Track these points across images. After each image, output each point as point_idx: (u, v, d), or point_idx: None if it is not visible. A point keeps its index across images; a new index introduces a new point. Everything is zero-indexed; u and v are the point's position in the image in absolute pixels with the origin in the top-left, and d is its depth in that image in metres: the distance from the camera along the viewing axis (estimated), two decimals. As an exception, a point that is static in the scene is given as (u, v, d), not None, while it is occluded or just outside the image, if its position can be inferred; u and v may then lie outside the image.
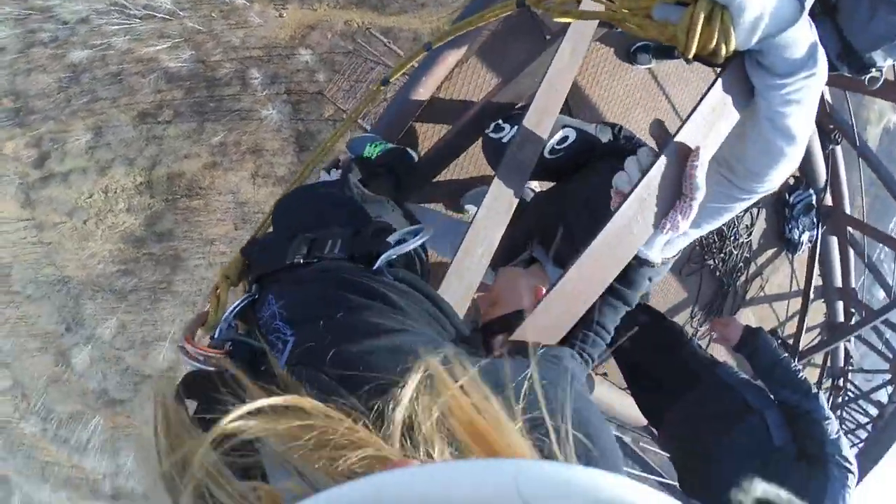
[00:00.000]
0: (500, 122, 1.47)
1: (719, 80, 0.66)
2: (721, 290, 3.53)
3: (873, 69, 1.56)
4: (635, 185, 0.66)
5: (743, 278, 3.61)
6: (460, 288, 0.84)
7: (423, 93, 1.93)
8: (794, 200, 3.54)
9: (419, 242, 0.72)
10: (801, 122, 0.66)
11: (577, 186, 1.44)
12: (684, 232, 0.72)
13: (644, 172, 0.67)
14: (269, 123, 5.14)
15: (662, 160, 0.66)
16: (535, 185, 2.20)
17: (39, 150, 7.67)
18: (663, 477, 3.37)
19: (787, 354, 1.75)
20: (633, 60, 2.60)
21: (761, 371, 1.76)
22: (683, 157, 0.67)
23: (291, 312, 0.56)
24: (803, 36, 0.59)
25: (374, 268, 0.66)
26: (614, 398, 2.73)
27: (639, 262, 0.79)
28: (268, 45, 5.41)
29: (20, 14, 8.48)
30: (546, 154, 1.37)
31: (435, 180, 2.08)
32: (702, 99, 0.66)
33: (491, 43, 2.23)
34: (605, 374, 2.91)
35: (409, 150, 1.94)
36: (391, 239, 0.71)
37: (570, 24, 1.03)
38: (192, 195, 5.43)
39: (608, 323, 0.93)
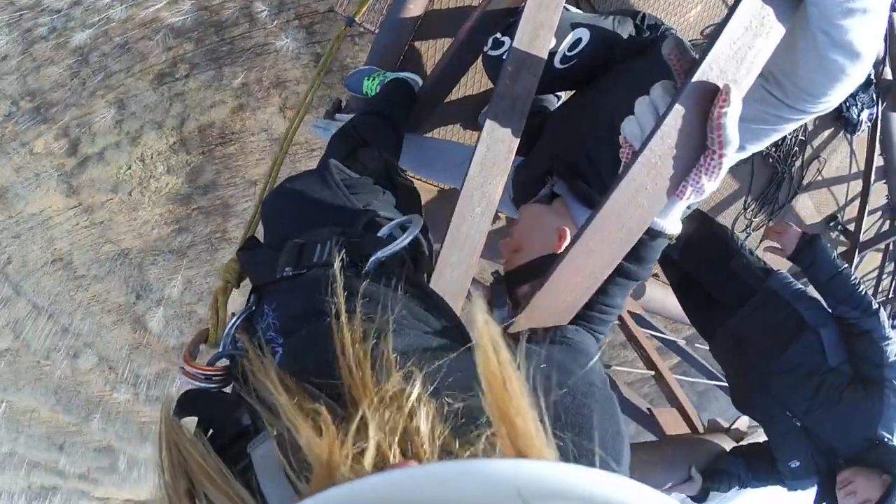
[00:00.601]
0: (499, 35, 1.32)
1: None
2: (776, 177, 3.30)
3: None
4: (647, 140, 0.52)
5: (799, 162, 3.37)
6: (462, 257, 0.76)
7: (413, 9, 1.75)
8: (851, 76, 3.31)
9: (408, 240, 0.67)
10: (868, 34, 0.51)
11: (597, 100, 1.23)
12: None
13: (659, 122, 0.53)
14: (286, 53, 5.19)
15: (679, 109, 0.51)
16: (563, 95, 1.92)
17: (69, 138, 7.93)
18: (721, 380, 3.11)
19: (846, 266, 1.64)
20: None
21: (819, 284, 1.65)
22: (708, 98, 0.51)
23: (282, 322, 0.57)
24: None
25: (364, 271, 0.64)
26: (668, 298, 2.57)
27: (651, 236, 0.63)
28: (267, -24, 5.36)
29: (11, 18, 8.50)
30: (557, 63, 1.20)
31: (446, 100, 1.90)
32: (730, 14, 0.49)
33: None
34: (655, 276, 2.78)
35: (410, 77, 1.77)
36: (382, 233, 0.70)
37: None
38: (227, 142, 5.61)
39: (616, 301, 0.78)
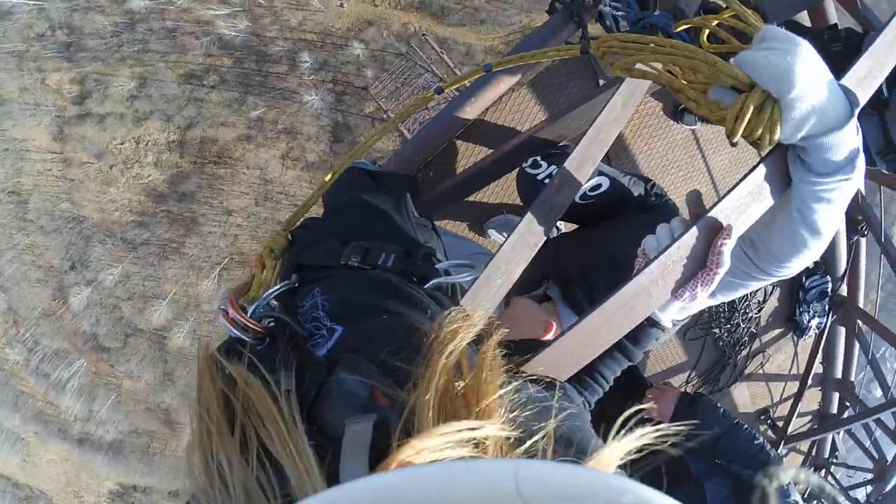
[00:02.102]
0: (539, 158, 1.50)
1: (760, 165, 0.67)
2: (721, 360, 3.55)
3: None
4: (663, 250, 0.69)
5: (745, 352, 3.63)
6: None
7: (469, 111, 1.98)
8: (809, 285, 3.52)
9: (468, 279, 0.78)
10: (829, 219, 0.68)
11: (600, 238, 1.46)
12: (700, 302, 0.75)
13: (674, 240, 0.69)
14: (310, 108, 5.20)
15: (693, 231, 0.68)
16: (561, 226, 2.24)
17: (82, 87, 7.79)
18: None
19: (737, 421, 1.55)
20: (679, 119, 2.62)
21: (705, 447, 1.58)
22: (714, 231, 0.69)
23: (339, 308, 0.59)
24: (848, 140, 0.61)
25: (426, 286, 0.71)
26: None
27: (650, 323, 0.81)
28: (323, 32, 5.49)
29: (91, -46, 8.68)
30: (577, 199, 1.39)
31: (464, 199, 2.11)
32: (741, 180, 0.68)
33: (544, 77, 2.25)
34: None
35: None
36: (439, 267, 0.77)
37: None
38: (221, 163, 5.49)
39: (608, 373, 0.93)
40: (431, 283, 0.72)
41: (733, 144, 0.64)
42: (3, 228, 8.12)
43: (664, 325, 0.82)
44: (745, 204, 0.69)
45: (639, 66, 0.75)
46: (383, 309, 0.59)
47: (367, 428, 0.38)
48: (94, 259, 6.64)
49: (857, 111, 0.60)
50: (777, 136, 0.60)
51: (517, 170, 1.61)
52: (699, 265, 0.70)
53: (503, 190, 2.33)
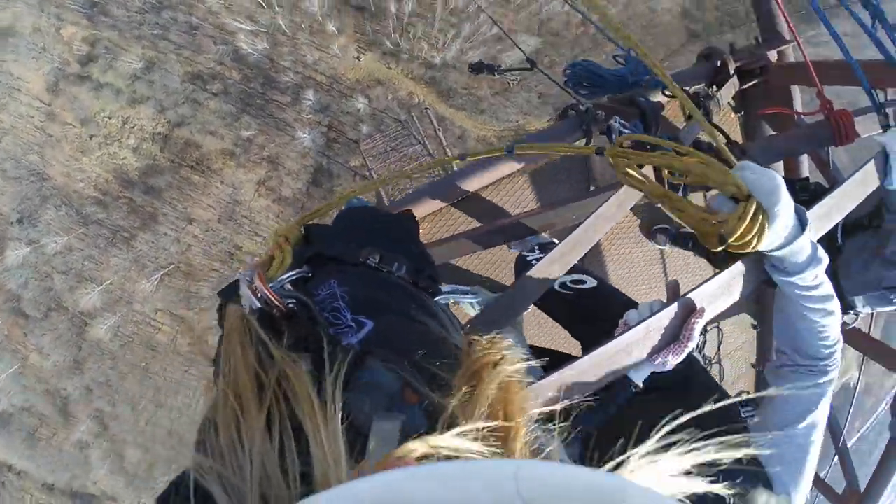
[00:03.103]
0: (537, 248, 1.65)
1: (739, 262, 0.83)
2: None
3: (851, 311, 1.66)
4: (644, 319, 0.81)
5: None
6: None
7: (470, 184, 2.08)
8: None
9: (475, 301, 0.89)
10: (825, 294, 0.84)
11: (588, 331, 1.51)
12: (670, 368, 0.85)
13: (654, 313, 0.81)
14: (299, 145, 5.31)
15: (673, 307, 0.81)
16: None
17: (91, 50, 7.78)
18: None
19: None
20: (651, 237, 2.86)
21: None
22: (689, 311, 0.82)
23: (363, 303, 0.61)
24: (807, 244, 0.80)
25: (435, 299, 0.78)
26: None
27: (623, 382, 0.88)
28: (333, 77, 5.68)
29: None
30: (556, 286, 1.47)
31: (438, 264, 2.28)
32: (717, 273, 0.84)
33: (544, 169, 2.44)
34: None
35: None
36: (445, 289, 0.87)
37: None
38: (197, 170, 5.51)
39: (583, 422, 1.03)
40: (440, 297, 0.80)
41: (720, 249, 0.79)
42: (-35, 158, 7.84)
43: (635, 386, 0.90)
44: (718, 294, 0.84)
45: (644, 172, 0.91)
46: (408, 313, 0.64)
47: (394, 427, 0.37)
48: (43, 221, 6.45)
49: (809, 225, 0.79)
50: (764, 241, 0.76)
51: (515, 254, 1.72)
52: (673, 338, 0.83)
53: (482, 263, 2.42)
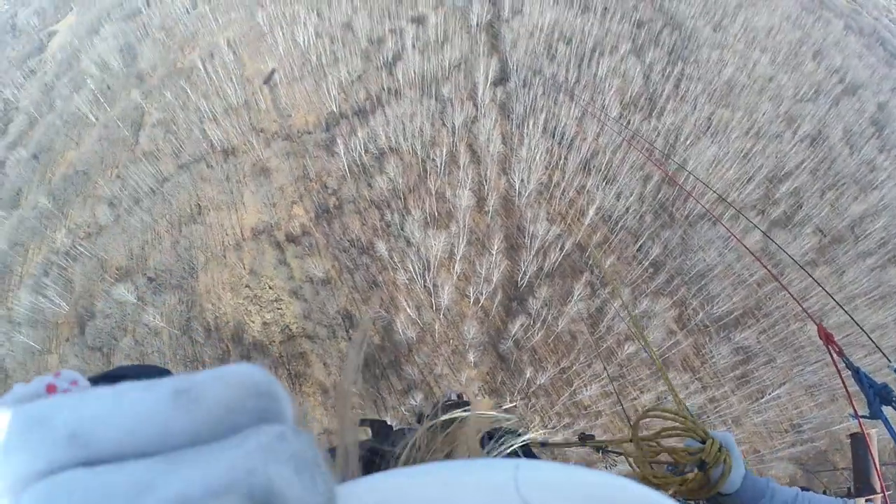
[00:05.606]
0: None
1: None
2: None
3: None
4: None
5: None
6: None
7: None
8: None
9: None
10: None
11: None
12: None
13: None
14: (344, 286, 5.37)
15: None
16: None
17: (300, 237, 9.88)
18: None
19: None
20: None
21: None
22: None
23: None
24: (757, 481, 1.09)
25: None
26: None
27: None
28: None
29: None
30: None
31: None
32: None
33: None
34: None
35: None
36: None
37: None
38: (293, 380, 5.84)
39: None
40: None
41: (706, 469, 1.04)
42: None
43: None
44: None
45: (650, 466, 1.15)
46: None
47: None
48: (167, 304, 6.94)
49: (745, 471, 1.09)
50: (730, 472, 1.04)
51: None
52: None
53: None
